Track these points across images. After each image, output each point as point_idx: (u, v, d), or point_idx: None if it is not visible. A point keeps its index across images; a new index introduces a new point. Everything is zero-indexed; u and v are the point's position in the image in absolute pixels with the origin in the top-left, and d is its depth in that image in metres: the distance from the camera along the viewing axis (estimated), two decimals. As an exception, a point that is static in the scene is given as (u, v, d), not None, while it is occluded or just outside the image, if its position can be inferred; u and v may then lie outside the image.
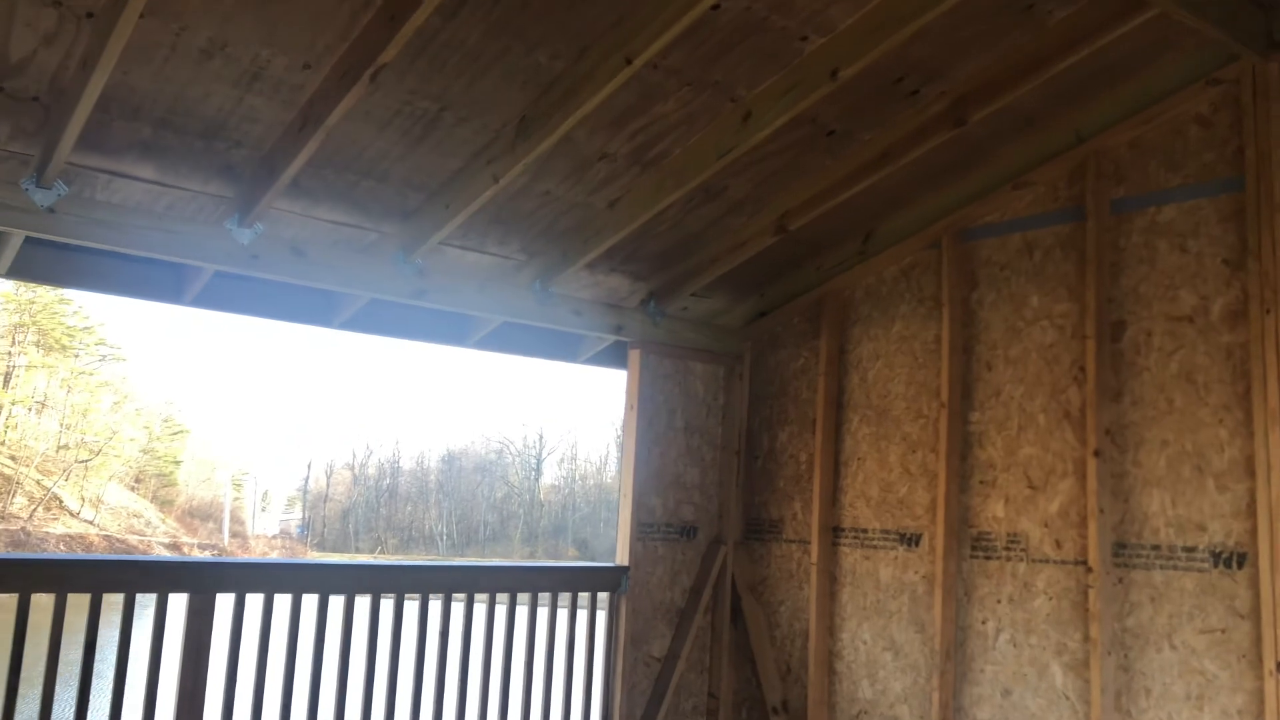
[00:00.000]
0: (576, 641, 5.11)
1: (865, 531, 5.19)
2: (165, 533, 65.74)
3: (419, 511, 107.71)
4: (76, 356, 74.47)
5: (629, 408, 5.47)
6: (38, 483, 59.68)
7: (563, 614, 5.11)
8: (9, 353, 65.53)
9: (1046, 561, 4.45)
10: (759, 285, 5.80)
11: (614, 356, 5.89)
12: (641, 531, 5.36)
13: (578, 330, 5.37)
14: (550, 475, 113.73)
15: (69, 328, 73.65)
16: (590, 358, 5.90)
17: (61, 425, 64.97)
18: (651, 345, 5.52)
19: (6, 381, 65.46)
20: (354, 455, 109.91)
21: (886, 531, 5.09)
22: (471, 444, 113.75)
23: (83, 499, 62.98)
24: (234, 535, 66.93)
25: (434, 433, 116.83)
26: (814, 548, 5.32)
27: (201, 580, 4.00)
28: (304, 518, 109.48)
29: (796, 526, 5.52)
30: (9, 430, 64.03)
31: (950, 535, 4.77)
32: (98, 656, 3.84)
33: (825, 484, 5.35)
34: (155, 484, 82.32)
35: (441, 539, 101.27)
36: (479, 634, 4.78)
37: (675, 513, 5.54)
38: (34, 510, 55.31)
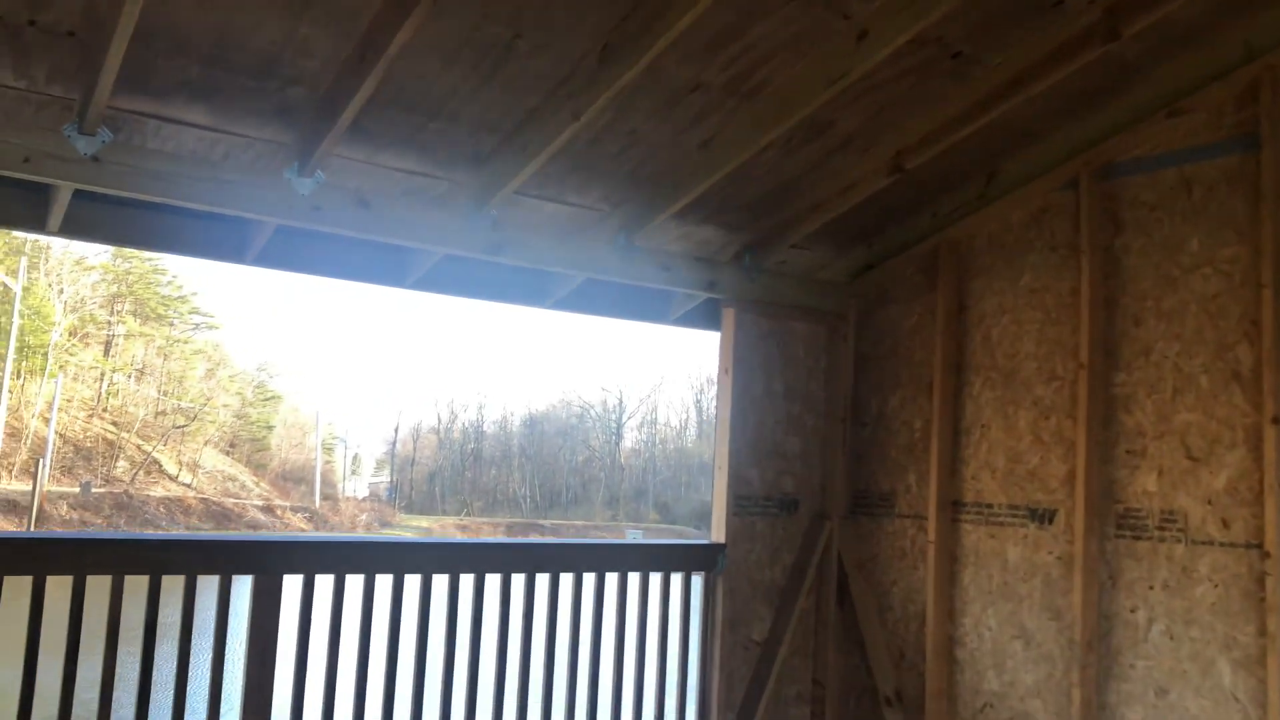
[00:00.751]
0: (670, 623, 4.70)
1: (990, 507, 4.66)
2: (259, 496, 67.74)
3: (503, 475, 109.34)
4: (172, 325, 76.89)
5: (723, 372, 5.01)
6: (138, 447, 61.93)
7: (652, 592, 4.70)
8: (109, 322, 67.91)
9: (1211, 544, 3.88)
10: (866, 235, 5.25)
11: (705, 316, 5.42)
12: (738, 506, 4.91)
13: (666, 287, 4.91)
14: (630, 439, 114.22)
15: (164, 297, 75.99)
16: (679, 318, 5.44)
17: (159, 392, 67.25)
18: (747, 303, 5.03)
19: (107, 350, 67.91)
20: (439, 419, 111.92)
21: (1015, 507, 4.55)
22: (553, 408, 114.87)
23: (180, 463, 65.18)
24: (325, 498, 68.62)
25: (516, 396, 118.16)
26: (931, 524, 4.81)
27: (266, 560, 3.69)
28: (392, 481, 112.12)
29: (910, 500, 5.01)
30: (110, 397, 66.51)
31: (1091, 512, 4.22)
32: (158, 642, 3.56)
33: (943, 454, 4.83)
34: (249, 448, 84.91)
35: (525, 502, 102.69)
36: (565, 615, 4.42)
37: (775, 485, 5.08)
38: (135, 474, 57.43)
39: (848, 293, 5.39)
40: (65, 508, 42.06)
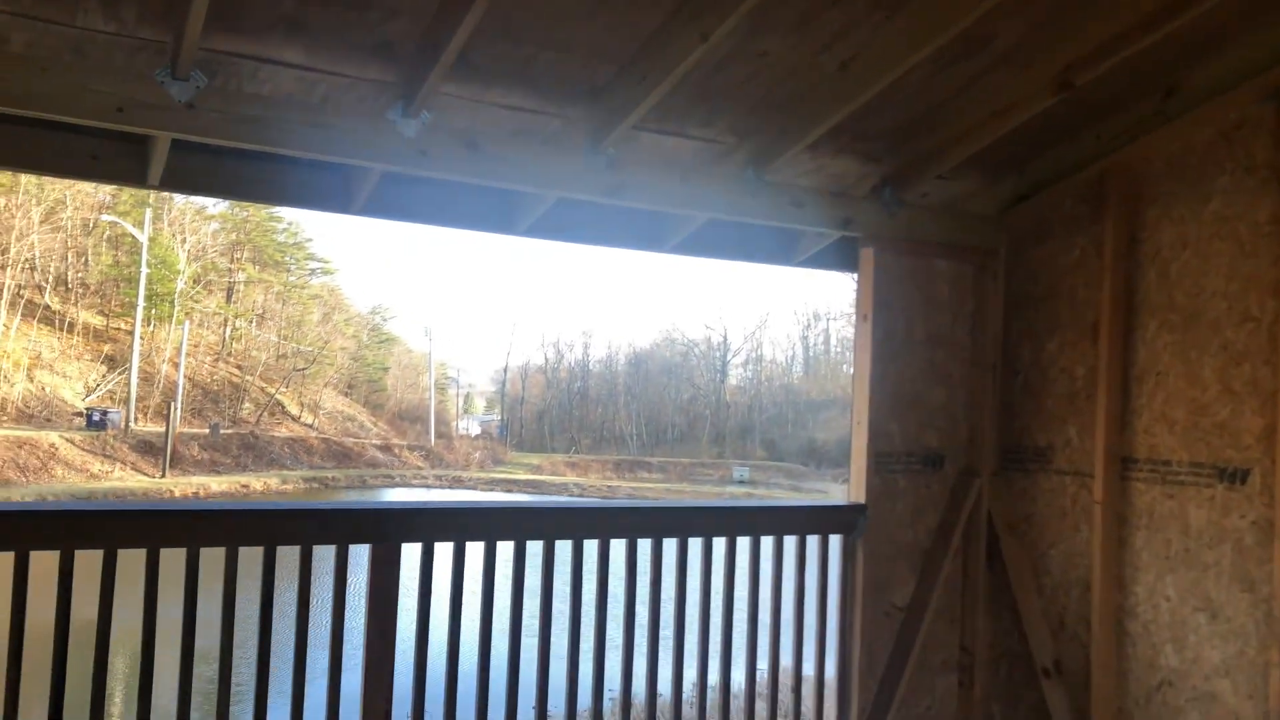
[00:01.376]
0: (807, 589, 4.38)
1: (1168, 464, 4.16)
2: (377, 435, 69.95)
3: (609, 413, 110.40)
4: (289, 271, 79.37)
5: (861, 318, 4.59)
6: (262, 390, 64.49)
7: (787, 557, 4.39)
8: (229, 269, 70.43)
9: None
10: (1018, 162, 4.72)
11: (836, 256, 4.99)
12: (879, 463, 4.52)
13: (797, 226, 4.49)
14: (735, 376, 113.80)
15: (280, 244, 78.40)
16: (807, 259, 5.02)
17: (279, 336, 69.69)
18: (886, 241, 4.58)
19: (229, 297, 70.59)
20: (545, 359, 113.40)
21: (1199, 465, 4.04)
22: (656, 346, 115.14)
23: (301, 404, 67.67)
24: (439, 436, 70.43)
25: (620, 335, 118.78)
26: (1097, 482, 4.34)
27: (384, 528, 3.49)
28: (502, 419, 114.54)
29: (1071, 455, 4.53)
30: (234, 342, 69.27)
31: (1294, 472, 3.69)
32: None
33: (1111, 404, 4.33)
34: (366, 389, 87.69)
35: (632, 440, 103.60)
36: (694, 581, 4.14)
37: (917, 440, 4.67)
38: (260, 415, 59.85)
39: (998, 227, 4.87)
40: (196, 448, 44.12)
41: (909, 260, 4.64)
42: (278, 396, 64.58)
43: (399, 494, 44.49)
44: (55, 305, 58.24)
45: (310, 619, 3.46)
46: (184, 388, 54.21)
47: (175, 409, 43.08)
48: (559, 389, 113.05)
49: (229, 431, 49.99)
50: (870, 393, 4.50)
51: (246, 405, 61.58)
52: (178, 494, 36.26)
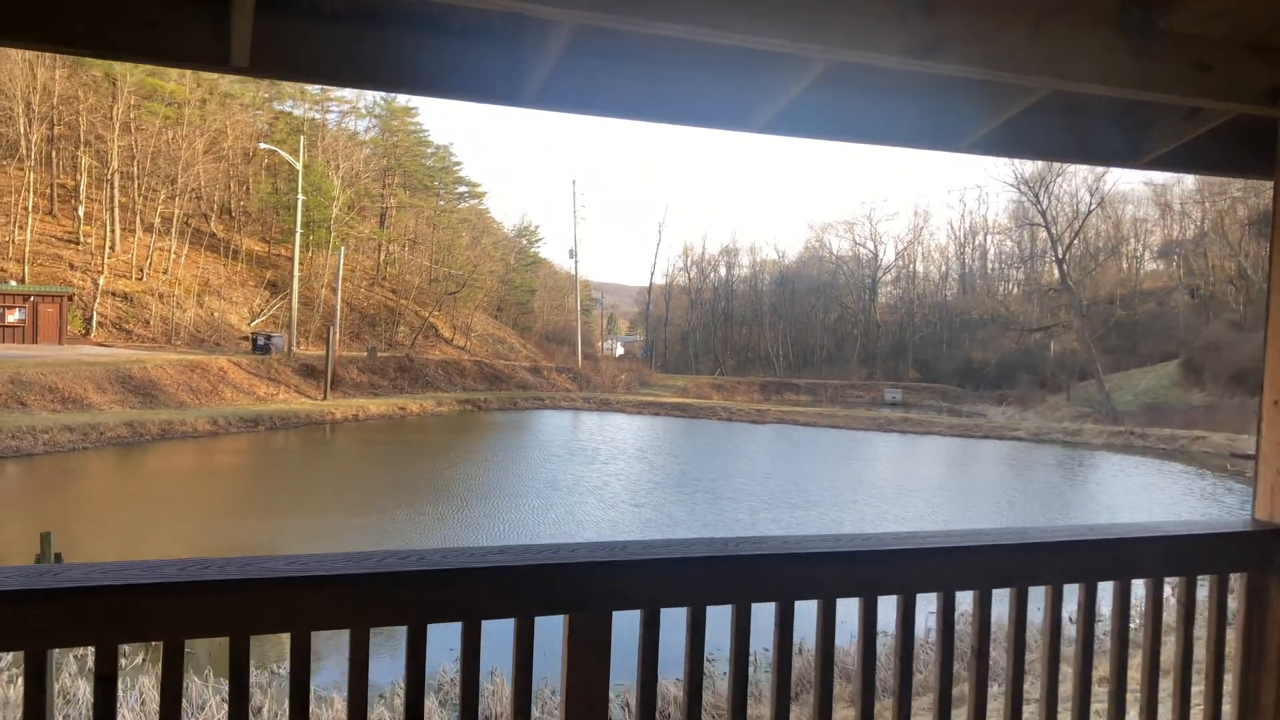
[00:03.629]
0: (1195, 648, 2.92)
1: None
2: (526, 357, 70.70)
3: (754, 334, 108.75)
4: (438, 196, 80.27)
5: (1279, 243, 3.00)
6: (415, 313, 65.74)
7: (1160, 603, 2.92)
8: (381, 195, 71.56)
9: None
10: None
11: (1213, 150, 3.38)
12: (1308, 464, 2.96)
13: (1191, 100, 2.92)
14: (885, 295, 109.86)
15: (429, 169, 79.17)
16: (1163, 155, 3.43)
17: (431, 260, 70.69)
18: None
19: (382, 222, 71.88)
20: (689, 278, 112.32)
21: None
22: (803, 264, 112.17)
23: (453, 328, 68.81)
24: (585, 357, 70.49)
25: (765, 253, 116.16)
26: None
27: (584, 589, 2.23)
28: (647, 340, 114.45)
29: None
30: (388, 267, 70.73)
31: None
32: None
33: None
34: (514, 311, 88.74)
35: (778, 361, 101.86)
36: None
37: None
38: (414, 338, 61.05)
39: None
40: (355, 371, 45.12)
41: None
42: (431, 320, 65.75)
43: (549, 416, 44.44)
44: (220, 233, 60.51)
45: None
46: (341, 312, 55.67)
47: (334, 333, 44.02)
48: (703, 309, 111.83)
49: (385, 354, 51.06)
50: (1297, 357, 2.93)
51: (401, 328, 62.96)
52: (338, 416, 37.04)
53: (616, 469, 27.68)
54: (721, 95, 3.00)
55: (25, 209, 46.59)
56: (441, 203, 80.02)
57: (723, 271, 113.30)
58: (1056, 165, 62.13)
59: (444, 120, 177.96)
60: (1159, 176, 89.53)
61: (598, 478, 25.60)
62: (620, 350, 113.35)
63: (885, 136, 3.19)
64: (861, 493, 24.57)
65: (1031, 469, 31.65)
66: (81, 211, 51.40)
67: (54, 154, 54.08)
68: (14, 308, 39.98)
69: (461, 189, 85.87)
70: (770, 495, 23.82)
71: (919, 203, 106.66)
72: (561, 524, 19.12)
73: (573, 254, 70.11)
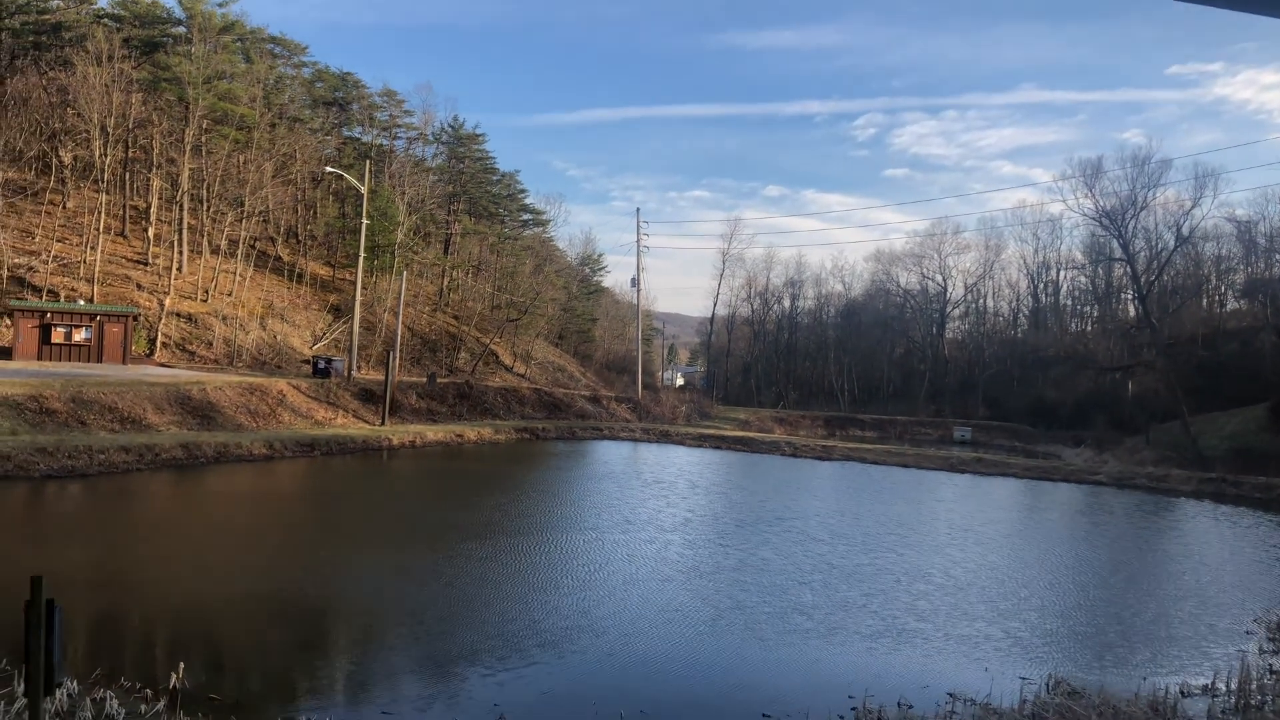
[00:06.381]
0: None
1: None
2: (586, 386, 69.86)
3: (818, 367, 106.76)
4: (503, 223, 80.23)
5: None
6: (477, 339, 65.40)
7: None
8: (446, 221, 71.62)
9: None
10: None
11: None
12: None
13: None
14: (953, 330, 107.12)
15: (495, 195, 79.21)
16: None
17: (493, 287, 70.46)
18: None
19: (446, 248, 71.90)
20: (752, 309, 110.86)
21: None
22: (869, 298, 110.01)
23: (514, 355, 68.35)
24: (645, 387, 69.40)
25: (831, 285, 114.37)
26: None
27: None
28: (708, 371, 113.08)
29: None
30: (451, 292, 70.63)
31: None
32: None
33: None
34: (575, 340, 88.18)
35: (842, 395, 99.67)
36: None
37: None
38: (475, 365, 60.61)
39: None
40: (414, 397, 44.60)
41: None
42: (492, 346, 65.36)
43: (609, 447, 43.37)
44: (285, 256, 60.89)
45: None
46: (403, 337, 55.44)
47: (394, 358, 43.59)
48: (765, 341, 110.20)
49: (445, 380, 50.56)
50: None
51: (462, 354, 62.61)
52: (395, 442, 36.42)
53: (692, 505, 26.48)
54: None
55: (97, 230, 47.19)
56: (506, 229, 79.98)
57: (786, 303, 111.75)
58: (1139, 199, 59.74)
59: (508, 145, 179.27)
60: (1242, 211, 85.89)
61: (676, 514, 24.43)
62: (680, 381, 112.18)
63: None
64: (962, 536, 23.01)
65: (1153, 518, 29.74)
66: (151, 233, 52.02)
67: (128, 176, 54.98)
68: (81, 326, 40.24)
69: (526, 216, 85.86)
70: (865, 536, 22.52)
71: (989, 234, 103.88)
72: (651, 562, 17.99)
73: (635, 283, 69.20)
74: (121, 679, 9.66)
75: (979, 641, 13.66)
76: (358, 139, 70.98)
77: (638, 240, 66.31)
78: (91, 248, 46.83)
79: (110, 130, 48.20)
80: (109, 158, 49.19)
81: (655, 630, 13.31)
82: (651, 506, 25.47)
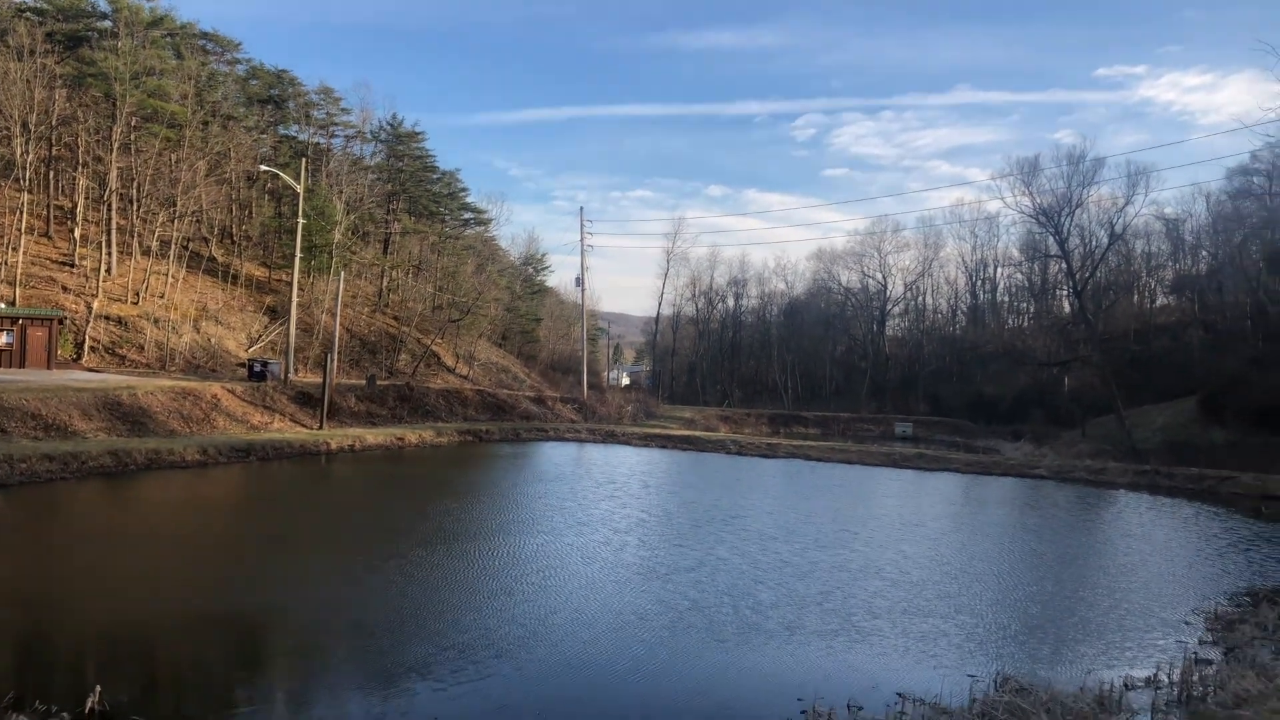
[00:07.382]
0: None
1: None
2: (530, 386, 69.16)
3: (762, 365, 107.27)
4: (444, 221, 79.09)
5: None
6: (417, 340, 64.32)
7: None
8: (386, 220, 70.39)
9: None
10: None
11: None
12: None
13: None
14: (894, 327, 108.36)
15: (435, 194, 78.05)
16: None
17: (435, 287, 69.38)
18: None
19: (386, 248, 70.64)
20: (697, 309, 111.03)
21: None
22: (811, 296, 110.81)
23: (456, 356, 67.37)
24: (591, 387, 68.93)
25: (773, 284, 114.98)
26: None
27: None
28: (653, 371, 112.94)
29: None
30: (390, 292, 69.41)
31: None
32: None
33: None
34: (519, 340, 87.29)
35: (786, 392, 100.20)
36: None
37: None
38: (416, 366, 59.59)
39: None
40: (353, 400, 43.64)
41: None
42: (433, 348, 64.33)
43: (554, 448, 42.86)
44: (219, 257, 59.27)
45: None
46: (341, 338, 54.28)
47: (332, 360, 42.58)
48: (710, 340, 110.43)
49: (385, 382, 49.59)
50: None
51: (403, 356, 61.52)
52: (334, 446, 35.53)
53: (645, 505, 26.18)
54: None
55: (19, 231, 45.38)
56: (447, 229, 78.87)
57: (730, 302, 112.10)
58: (1075, 196, 60.89)
59: (448, 144, 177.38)
60: (1170, 210, 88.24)
61: (629, 515, 24.09)
62: (626, 380, 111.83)
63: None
64: (912, 531, 22.98)
65: (1096, 510, 30.11)
66: (77, 234, 50.20)
67: (52, 175, 52.99)
68: (2, 331, 38.60)
69: (467, 215, 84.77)
70: (819, 533, 22.45)
71: (928, 233, 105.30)
72: (610, 565, 17.61)
73: (579, 282, 68.73)
74: (36, 702, 9.02)
75: (935, 638, 13.58)
76: (294, 137, 69.40)
77: (581, 239, 65.85)
78: (13, 249, 45.02)
79: (32, 127, 46.38)
80: (31, 155, 47.32)
81: (613, 635, 12.99)
82: (604, 508, 25.08)
